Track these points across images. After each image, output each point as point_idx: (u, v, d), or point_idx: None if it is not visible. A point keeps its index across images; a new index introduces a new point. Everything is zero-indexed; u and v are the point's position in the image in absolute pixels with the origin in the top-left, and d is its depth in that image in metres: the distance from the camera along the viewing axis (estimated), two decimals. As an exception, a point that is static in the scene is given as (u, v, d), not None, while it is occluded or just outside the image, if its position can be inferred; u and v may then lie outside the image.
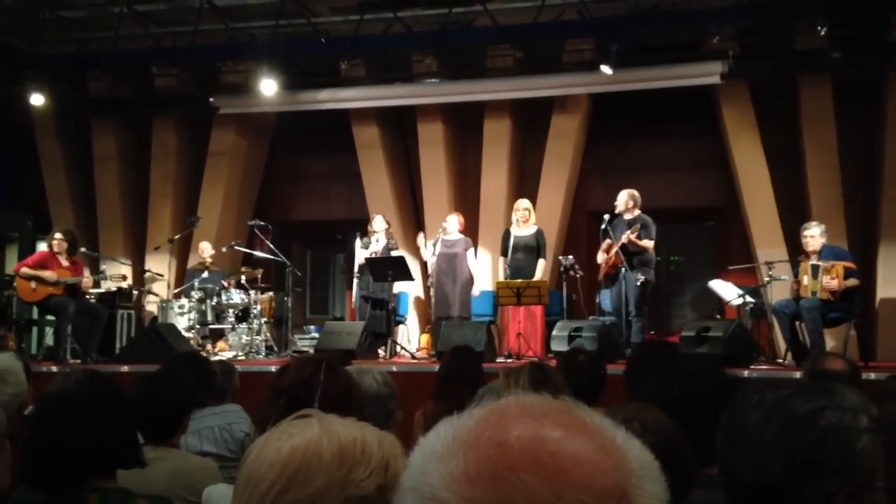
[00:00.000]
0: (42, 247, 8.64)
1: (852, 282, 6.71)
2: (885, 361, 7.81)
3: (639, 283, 7.43)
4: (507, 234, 8.28)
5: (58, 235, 7.80)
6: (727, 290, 8.05)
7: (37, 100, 9.70)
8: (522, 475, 0.56)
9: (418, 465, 0.61)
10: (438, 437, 0.62)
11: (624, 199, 7.82)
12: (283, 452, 1.02)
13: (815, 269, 6.75)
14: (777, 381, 1.21)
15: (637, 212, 7.77)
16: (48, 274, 7.55)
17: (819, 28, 8.19)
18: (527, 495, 0.56)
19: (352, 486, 1.01)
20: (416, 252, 9.96)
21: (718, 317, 8.78)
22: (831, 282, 6.63)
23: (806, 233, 6.98)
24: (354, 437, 1.05)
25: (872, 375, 5.93)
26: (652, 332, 8.60)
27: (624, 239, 7.47)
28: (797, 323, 6.88)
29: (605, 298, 8.32)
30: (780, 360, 7.27)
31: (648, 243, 7.59)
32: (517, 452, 0.58)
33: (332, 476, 1.01)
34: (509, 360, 7.29)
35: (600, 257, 7.81)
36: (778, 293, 7.38)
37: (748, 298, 7.81)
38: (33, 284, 7.56)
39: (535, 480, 0.56)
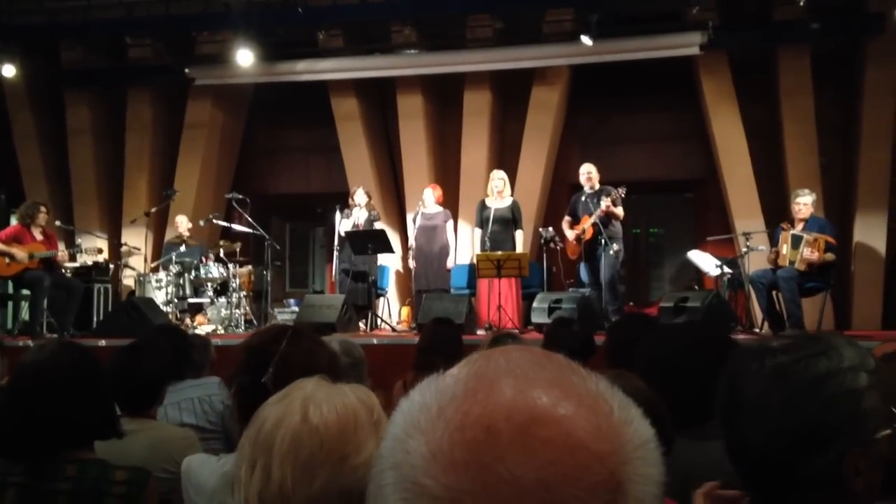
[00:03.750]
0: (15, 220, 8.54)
1: (830, 256, 6.77)
2: (861, 330, 7.93)
3: (614, 254, 7.50)
4: (482, 205, 8.28)
5: (43, 209, 7.82)
6: (705, 261, 8.10)
7: (8, 71, 9.52)
8: (511, 466, 0.52)
9: (400, 440, 0.57)
10: (423, 407, 0.57)
11: (593, 172, 7.85)
12: (324, 419, 1.03)
13: (796, 239, 6.78)
14: (770, 345, 1.18)
15: (597, 185, 7.84)
16: (21, 255, 7.47)
17: (798, -2, 8.17)
18: (515, 489, 0.52)
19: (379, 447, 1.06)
20: (396, 225, 9.93)
21: (696, 287, 8.85)
22: (812, 255, 6.67)
23: (799, 199, 6.99)
24: (365, 398, 1.07)
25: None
26: (631, 304, 8.66)
27: (603, 206, 7.51)
28: (774, 293, 6.95)
29: (585, 270, 8.34)
30: (757, 330, 7.35)
31: (622, 211, 7.68)
32: (507, 439, 0.53)
33: (376, 440, 1.02)
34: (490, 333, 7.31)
35: (570, 234, 7.84)
36: (755, 263, 7.44)
37: (726, 269, 7.87)
38: (7, 258, 7.48)
39: (526, 473, 0.52)
